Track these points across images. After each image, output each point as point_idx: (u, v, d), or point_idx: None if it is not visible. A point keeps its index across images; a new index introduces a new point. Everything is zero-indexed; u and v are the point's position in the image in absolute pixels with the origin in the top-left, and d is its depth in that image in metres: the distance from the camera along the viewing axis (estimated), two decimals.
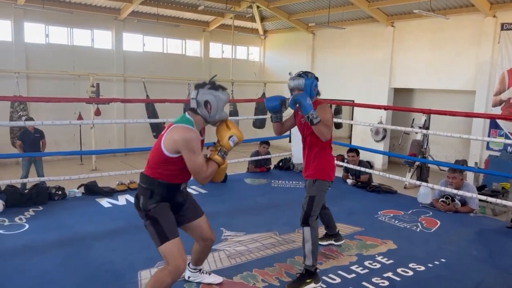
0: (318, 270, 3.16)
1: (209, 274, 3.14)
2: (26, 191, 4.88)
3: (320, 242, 3.59)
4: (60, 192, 4.98)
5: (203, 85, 2.61)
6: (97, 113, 11.10)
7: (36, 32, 11.76)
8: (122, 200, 5.07)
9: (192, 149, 2.46)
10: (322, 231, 3.80)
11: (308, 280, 3.07)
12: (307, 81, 3.16)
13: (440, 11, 10.09)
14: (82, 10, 11.89)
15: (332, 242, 3.84)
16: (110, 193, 5.29)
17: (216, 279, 3.11)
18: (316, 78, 3.26)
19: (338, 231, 3.89)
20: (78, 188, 5.29)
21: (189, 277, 3.10)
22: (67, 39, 12.29)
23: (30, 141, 7.95)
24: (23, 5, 10.58)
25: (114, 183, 5.65)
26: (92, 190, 5.25)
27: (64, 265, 3.27)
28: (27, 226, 4.08)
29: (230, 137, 2.61)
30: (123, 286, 3.01)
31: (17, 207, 4.54)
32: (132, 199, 5.05)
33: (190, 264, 3.08)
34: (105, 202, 4.97)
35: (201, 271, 3.11)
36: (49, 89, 11.23)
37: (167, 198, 2.65)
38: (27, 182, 5.99)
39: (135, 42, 13.57)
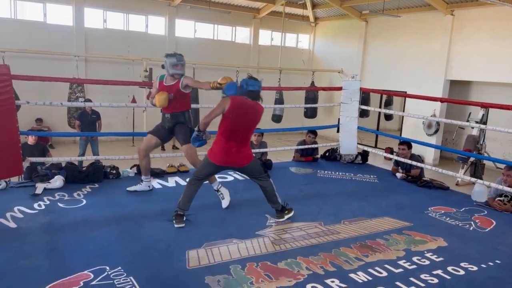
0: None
1: None
2: (83, 168, 5.17)
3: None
4: (114, 171, 5.22)
5: None
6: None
7: (95, 17, 12.28)
8: (171, 181, 5.24)
9: None
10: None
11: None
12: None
13: None
14: None
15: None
16: (161, 174, 5.47)
17: None
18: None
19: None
20: (131, 168, 5.52)
21: None
22: (123, 25, 12.74)
23: (88, 122, 8.40)
24: None
25: (164, 165, 5.83)
26: None
27: (118, 241, 3.44)
28: (84, 201, 4.33)
29: None
30: (172, 264, 3.13)
31: (76, 183, 4.82)
32: (181, 181, 5.24)
33: None
34: (155, 183, 5.13)
35: None
36: (105, 72, 11.70)
37: None
38: (84, 160, 6.35)
39: (187, 28, 13.81)
